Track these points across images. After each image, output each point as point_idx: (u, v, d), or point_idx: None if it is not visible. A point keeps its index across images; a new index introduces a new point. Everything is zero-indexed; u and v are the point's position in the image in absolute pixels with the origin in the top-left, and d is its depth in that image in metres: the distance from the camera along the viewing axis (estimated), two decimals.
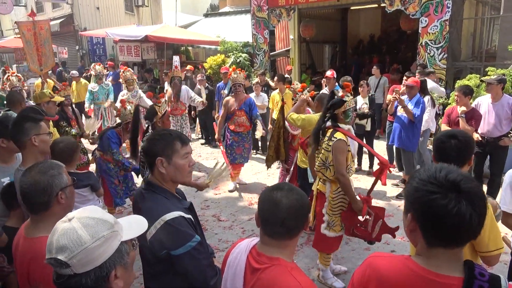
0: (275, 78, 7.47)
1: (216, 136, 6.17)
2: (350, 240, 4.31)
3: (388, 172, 3.17)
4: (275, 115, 7.12)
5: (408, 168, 5.56)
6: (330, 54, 14.98)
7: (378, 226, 3.21)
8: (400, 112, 5.47)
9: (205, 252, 1.76)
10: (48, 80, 8.68)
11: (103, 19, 18.79)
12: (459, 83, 6.51)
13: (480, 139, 4.93)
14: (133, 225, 1.19)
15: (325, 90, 6.87)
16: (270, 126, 6.57)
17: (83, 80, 9.84)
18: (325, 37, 13.99)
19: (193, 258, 1.68)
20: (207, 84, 9.14)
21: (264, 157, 7.59)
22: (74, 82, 9.38)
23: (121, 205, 4.88)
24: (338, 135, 3.24)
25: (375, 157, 6.56)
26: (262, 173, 6.96)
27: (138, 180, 5.12)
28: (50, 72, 12.08)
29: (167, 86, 8.81)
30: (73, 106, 5.87)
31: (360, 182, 6.31)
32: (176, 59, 7.11)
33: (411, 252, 2.25)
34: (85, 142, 5.70)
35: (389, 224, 4.10)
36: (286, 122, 4.68)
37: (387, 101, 6.11)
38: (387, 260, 1.24)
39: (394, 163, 6.53)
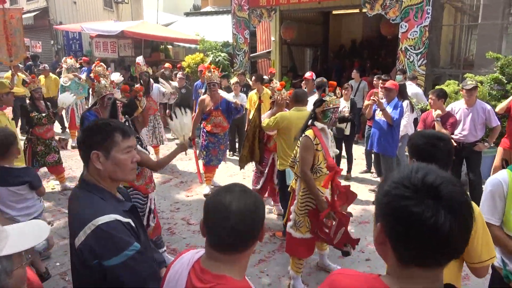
0: (253, 78, 7.27)
1: (190, 135, 5.72)
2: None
3: (337, 176, 3.14)
4: (252, 115, 6.93)
5: (387, 174, 5.44)
6: (311, 58, 14.90)
7: (340, 233, 3.10)
8: (379, 116, 5.35)
9: (146, 262, 1.52)
10: (18, 73, 8.23)
11: (80, 14, 18.23)
12: (438, 88, 6.45)
13: (455, 144, 4.87)
14: (27, 235, 0.94)
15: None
16: (247, 126, 6.33)
17: (53, 75, 9.38)
18: (307, 40, 13.90)
19: (130, 269, 1.43)
20: (185, 83, 8.89)
21: (234, 158, 7.42)
22: (42, 76, 8.91)
23: None
24: (308, 132, 3.19)
25: (352, 161, 6.50)
26: (237, 175, 6.73)
27: None
28: (21, 66, 11.59)
29: None
30: (44, 99, 5.54)
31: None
32: (139, 58, 6.91)
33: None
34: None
35: (363, 231, 3.95)
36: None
37: (364, 105, 6.00)
38: (352, 279, 1.02)
39: (373, 169, 6.43)
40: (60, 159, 5.67)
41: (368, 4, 8.60)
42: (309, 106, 6.02)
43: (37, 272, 2.44)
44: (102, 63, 7.32)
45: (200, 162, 5.86)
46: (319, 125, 3.26)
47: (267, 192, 5.01)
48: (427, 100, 6.80)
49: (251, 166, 5.82)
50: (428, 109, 6.51)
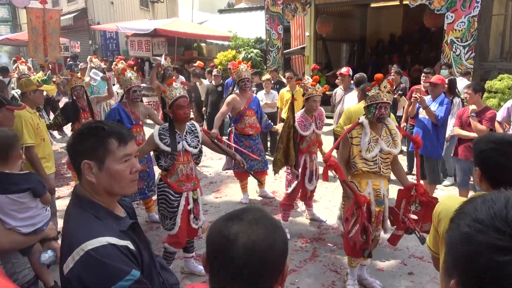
0: (286, 74, 6.95)
1: (213, 130, 4.94)
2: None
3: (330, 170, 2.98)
4: (284, 114, 6.56)
5: (432, 177, 4.98)
6: (348, 53, 14.35)
7: (355, 230, 2.97)
8: (422, 114, 4.89)
9: None
10: (48, 73, 8.35)
11: (117, 14, 18.57)
12: (489, 83, 5.88)
13: None
14: None
15: (339, 89, 6.34)
16: (276, 127, 5.89)
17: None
18: (343, 35, 13.38)
19: None
20: (221, 81, 8.71)
21: (272, 159, 7.08)
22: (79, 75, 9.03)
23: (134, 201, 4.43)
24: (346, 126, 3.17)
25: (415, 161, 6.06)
26: (268, 176, 6.44)
27: None
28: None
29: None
30: (88, 97, 5.46)
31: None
32: (163, 56, 6.79)
33: (440, 280, 1.71)
34: None
35: (404, 240, 3.64)
36: (296, 122, 4.16)
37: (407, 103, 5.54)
38: None
39: (414, 171, 5.95)
40: None
41: None
42: (346, 105, 5.67)
43: (45, 286, 2.29)
44: (123, 61, 7.23)
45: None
46: (361, 119, 3.10)
47: (299, 196, 4.67)
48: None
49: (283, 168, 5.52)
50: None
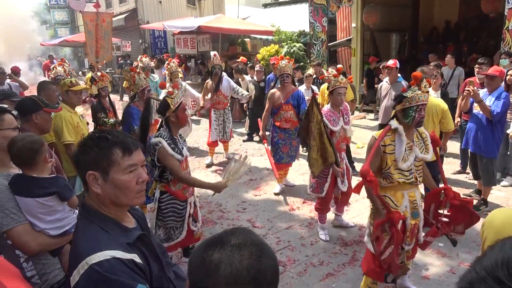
0: (328, 70, 6.71)
1: (260, 133, 5.48)
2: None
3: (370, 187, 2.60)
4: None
5: (486, 178, 4.57)
6: (397, 44, 13.64)
7: (389, 252, 2.66)
8: (477, 109, 4.48)
9: None
10: (98, 73, 8.73)
11: (165, 13, 19.07)
12: None
13: None
14: None
15: (385, 82, 6.01)
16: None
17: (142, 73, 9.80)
18: (392, 24, 12.71)
19: None
20: (263, 76, 8.65)
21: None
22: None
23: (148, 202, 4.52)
24: (376, 133, 2.82)
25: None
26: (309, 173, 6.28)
27: None
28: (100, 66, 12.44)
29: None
30: (110, 97, 5.68)
31: None
32: (214, 52, 6.74)
33: None
34: None
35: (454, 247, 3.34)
36: (324, 116, 3.91)
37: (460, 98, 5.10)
38: None
39: (468, 169, 5.52)
40: None
41: None
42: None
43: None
44: (174, 60, 7.34)
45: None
46: (393, 124, 2.75)
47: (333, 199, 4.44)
48: None
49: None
50: None
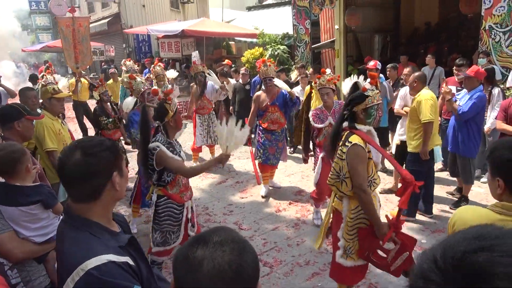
0: (310, 70, 6.81)
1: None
2: None
3: (415, 191, 2.42)
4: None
5: (464, 176, 4.70)
6: (380, 45, 13.85)
7: (402, 259, 2.51)
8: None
9: None
10: (82, 79, 8.65)
11: (149, 17, 18.97)
12: None
13: None
14: None
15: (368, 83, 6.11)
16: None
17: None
18: (374, 26, 12.90)
19: None
20: (249, 79, 8.68)
21: (295, 156, 7.05)
22: (111, 80, 9.28)
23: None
24: (354, 139, 2.59)
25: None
26: (296, 174, 6.36)
27: None
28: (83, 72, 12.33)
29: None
30: (112, 103, 5.67)
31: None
32: (194, 54, 6.71)
33: None
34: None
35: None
36: (310, 115, 4.16)
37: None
38: None
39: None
40: (127, 160, 5.70)
41: None
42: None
43: None
44: (160, 63, 7.34)
45: (257, 161, 5.56)
46: (363, 128, 2.67)
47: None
48: None
49: (310, 166, 5.42)
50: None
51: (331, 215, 2.96)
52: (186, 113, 7.27)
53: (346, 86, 3.23)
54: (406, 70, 5.31)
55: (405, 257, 2.51)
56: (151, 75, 7.32)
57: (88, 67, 11.09)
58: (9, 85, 7.33)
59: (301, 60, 10.17)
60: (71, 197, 1.35)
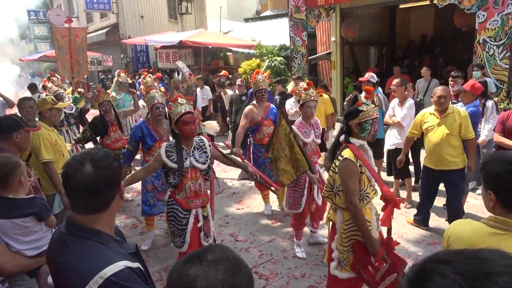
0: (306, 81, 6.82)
1: (234, 149, 4.95)
2: None
3: (397, 209, 2.45)
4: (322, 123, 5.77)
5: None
6: (376, 57, 13.99)
7: (389, 280, 2.49)
8: None
9: None
10: (79, 89, 8.64)
11: (147, 27, 19.09)
12: None
13: None
14: None
15: (362, 96, 6.14)
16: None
17: None
18: (370, 38, 13.06)
19: None
20: (245, 90, 8.71)
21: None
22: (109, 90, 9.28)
23: (150, 214, 4.47)
24: (345, 153, 2.62)
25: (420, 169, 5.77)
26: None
27: None
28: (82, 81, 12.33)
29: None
30: (116, 111, 5.66)
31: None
32: (182, 65, 6.60)
33: None
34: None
35: None
36: (295, 129, 3.92)
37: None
38: None
39: None
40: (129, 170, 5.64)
41: None
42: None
43: None
44: (150, 74, 7.33)
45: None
46: (356, 141, 2.69)
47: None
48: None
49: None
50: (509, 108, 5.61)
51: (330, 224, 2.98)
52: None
53: None
54: (395, 81, 5.42)
55: (393, 278, 2.48)
56: (142, 87, 7.30)
57: (85, 76, 11.08)
58: (8, 95, 7.32)
59: (297, 72, 10.23)
60: (78, 208, 1.33)
